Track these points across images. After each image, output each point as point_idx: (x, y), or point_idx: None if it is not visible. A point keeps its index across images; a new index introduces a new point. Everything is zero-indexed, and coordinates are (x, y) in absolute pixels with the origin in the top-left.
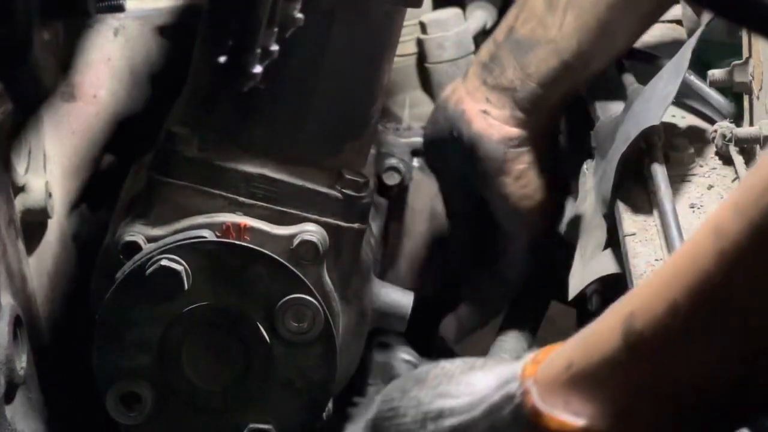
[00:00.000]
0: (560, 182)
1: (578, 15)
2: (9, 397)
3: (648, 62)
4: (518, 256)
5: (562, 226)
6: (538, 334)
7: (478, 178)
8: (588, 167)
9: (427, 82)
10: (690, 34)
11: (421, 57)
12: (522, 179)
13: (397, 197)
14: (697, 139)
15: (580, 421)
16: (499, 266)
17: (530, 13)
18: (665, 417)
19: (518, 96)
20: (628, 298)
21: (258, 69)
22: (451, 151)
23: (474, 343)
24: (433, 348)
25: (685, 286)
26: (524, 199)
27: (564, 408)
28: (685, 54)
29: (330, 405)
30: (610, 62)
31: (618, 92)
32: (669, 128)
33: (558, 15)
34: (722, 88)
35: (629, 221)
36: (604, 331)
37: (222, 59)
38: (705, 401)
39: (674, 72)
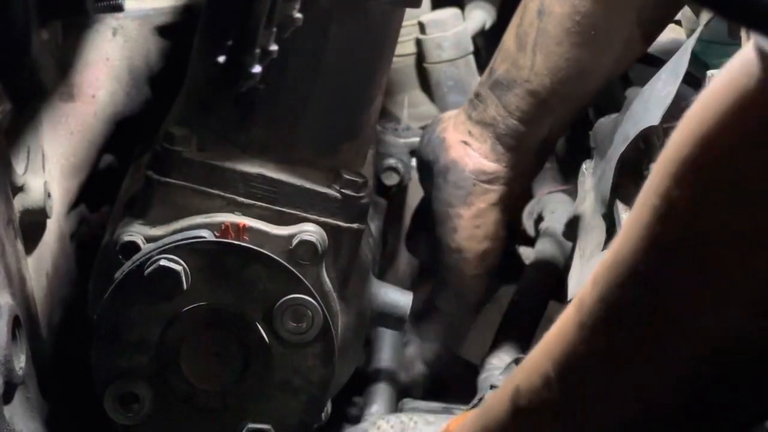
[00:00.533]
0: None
1: (546, 55)
2: (8, 397)
3: (647, 63)
4: (452, 293)
5: (561, 228)
6: (537, 334)
7: (440, 205)
8: (587, 167)
9: (426, 82)
10: (689, 34)
11: (420, 57)
12: (479, 219)
13: (395, 197)
14: None
15: None
16: (437, 300)
17: (505, 53)
18: None
19: (500, 132)
20: (517, 371)
21: (257, 69)
22: (427, 172)
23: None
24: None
25: (555, 360)
26: (472, 239)
27: None
28: (684, 54)
29: (329, 405)
30: (591, 99)
31: (617, 94)
32: (668, 128)
33: (528, 55)
34: None
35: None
36: (496, 406)
37: (221, 59)
38: None
39: (673, 72)
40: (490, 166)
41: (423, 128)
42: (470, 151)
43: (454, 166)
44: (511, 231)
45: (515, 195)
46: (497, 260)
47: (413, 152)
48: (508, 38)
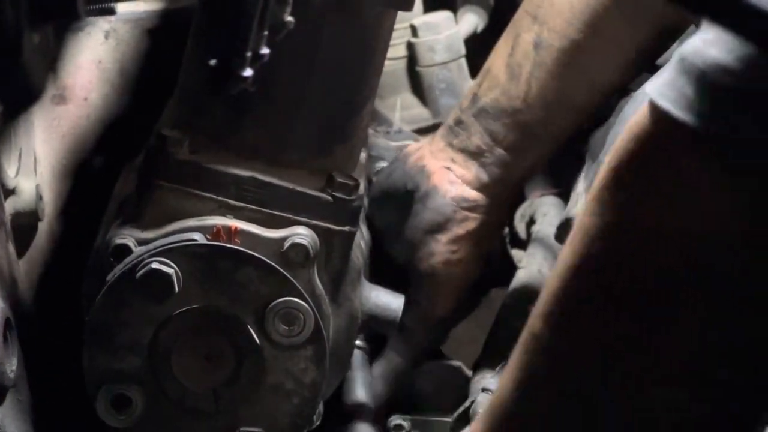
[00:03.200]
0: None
1: (542, 88)
2: None
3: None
4: (421, 314)
5: (553, 231)
6: None
7: (416, 231)
8: (580, 171)
9: (417, 86)
10: (683, 39)
11: (412, 60)
12: (456, 244)
13: None
14: None
15: None
16: (404, 317)
17: (493, 81)
18: None
19: (486, 161)
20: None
21: (248, 72)
22: (399, 204)
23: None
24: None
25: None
26: (447, 264)
27: None
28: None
29: (320, 408)
30: (578, 129)
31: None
32: None
33: (521, 86)
34: None
35: None
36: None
37: (212, 62)
38: None
39: None
40: (472, 194)
41: (416, 131)
42: (452, 178)
43: (435, 192)
44: (487, 260)
45: (494, 224)
46: (468, 287)
47: None
48: (497, 67)
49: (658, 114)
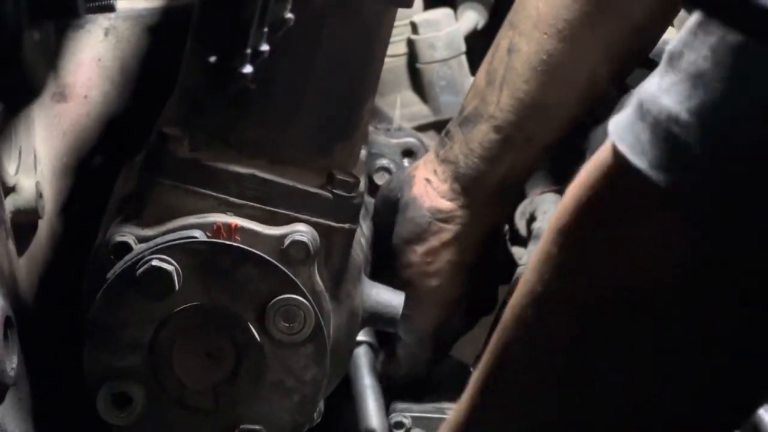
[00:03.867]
0: (489, 275)
1: (513, 92)
2: None
3: (642, 65)
4: (407, 324)
5: None
6: None
7: (397, 239)
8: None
9: (418, 83)
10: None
11: (412, 57)
12: (431, 256)
13: None
14: None
15: None
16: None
17: (475, 90)
18: None
19: (460, 171)
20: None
21: (248, 69)
22: (390, 209)
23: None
24: None
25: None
26: (423, 276)
27: None
28: None
29: (321, 405)
30: (557, 138)
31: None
32: None
33: (495, 91)
34: None
35: None
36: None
37: (212, 59)
38: None
39: None
40: (446, 205)
41: (416, 129)
42: (430, 189)
43: (413, 203)
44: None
45: (473, 236)
46: (453, 299)
47: (405, 153)
48: (479, 76)
49: (616, 155)
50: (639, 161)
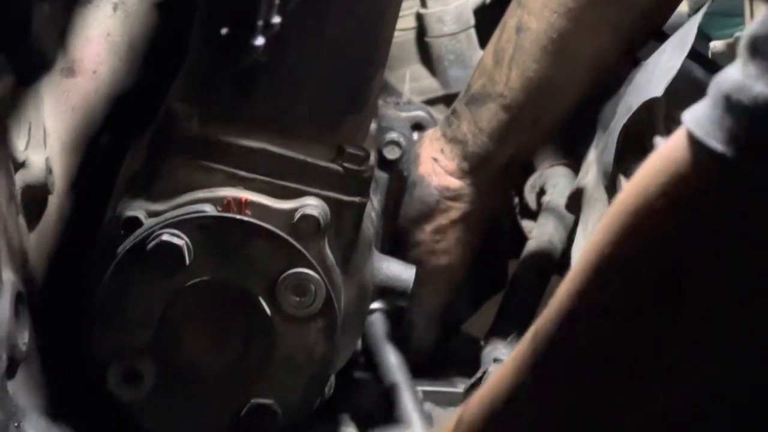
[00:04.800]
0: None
1: (522, 71)
2: (11, 373)
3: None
4: (416, 304)
5: (564, 201)
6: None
7: (405, 219)
8: (591, 141)
9: (426, 57)
10: (692, 7)
11: (421, 31)
12: (439, 234)
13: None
14: None
15: None
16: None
17: (482, 69)
18: None
19: (468, 150)
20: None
21: (260, 42)
22: (401, 189)
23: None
24: None
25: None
26: (432, 254)
27: None
28: (691, 28)
29: (332, 380)
30: (565, 116)
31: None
32: (671, 101)
33: (504, 70)
34: (724, 59)
35: None
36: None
37: (223, 32)
38: None
39: (679, 46)
40: (455, 183)
41: (426, 102)
42: (437, 168)
43: (420, 182)
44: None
45: (481, 214)
46: (461, 277)
47: (415, 126)
48: (487, 55)
49: (698, 148)
50: (732, 153)
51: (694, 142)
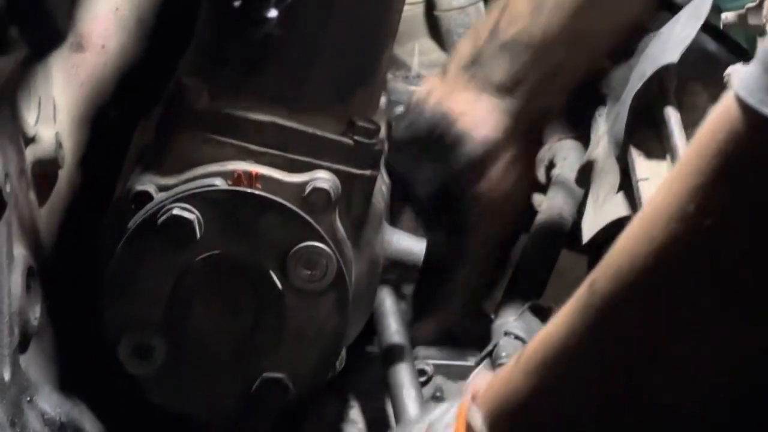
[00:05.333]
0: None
1: (562, 24)
2: (23, 348)
3: (665, 8)
4: (478, 256)
5: (573, 175)
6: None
7: (454, 178)
8: (600, 114)
9: (435, 30)
10: None
11: (430, 5)
12: (497, 180)
13: None
14: (711, 83)
15: None
16: (456, 269)
17: (515, 17)
18: None
19: (508, 99)
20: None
21: (273, 14)
22: (428, 151)
23: None
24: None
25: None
26: (488, 207)
27: None
28: None
29: (343, 354)
30: (600, 63)
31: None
32: (682, 73)
33: (543, 21)
34: (735, 30)
35: (643, 166)
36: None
37: (236, 3)
38: None
39: (694, 15)
40: (497, 132)
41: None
42: (478, 120)
43: (463, 137)
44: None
45: (527, 159)
46: (508, 235)
47: None
48: (519, 2)
49: (750, 116)
50: None
51: (746, 109)
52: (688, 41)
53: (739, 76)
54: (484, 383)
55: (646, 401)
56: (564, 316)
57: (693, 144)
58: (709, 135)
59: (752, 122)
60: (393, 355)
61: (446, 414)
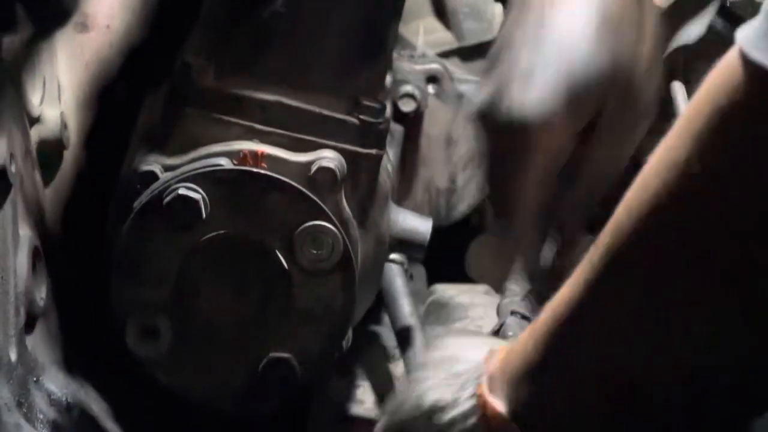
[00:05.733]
0: None
1: None
2: (29, 328)
3: None
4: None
5: None
6: None
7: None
8: None
9: (441, 10)
10: None
11: None
12: None
13: (412, 124)
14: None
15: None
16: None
17: None
18: None
19: None
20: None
21: None
22: None
23: None
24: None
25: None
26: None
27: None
28: None
29: (350, 334)
30: None
31: None
32: (690, 52)
33: None
34: (743, 8)
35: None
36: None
37: None
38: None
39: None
40: None
41: (440, 55)
42: None
43: None
44: None
45: None
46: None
47: (430, 79)
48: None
49: (751, 67)
50: None
51: (746, 62)
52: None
53: (743, 32)
54: (494, 362)
55: (652, 360)
56: (569, 282)
57: (694, 98)
58: (709, 87)
59: (752, 73)
60: (408, 337)
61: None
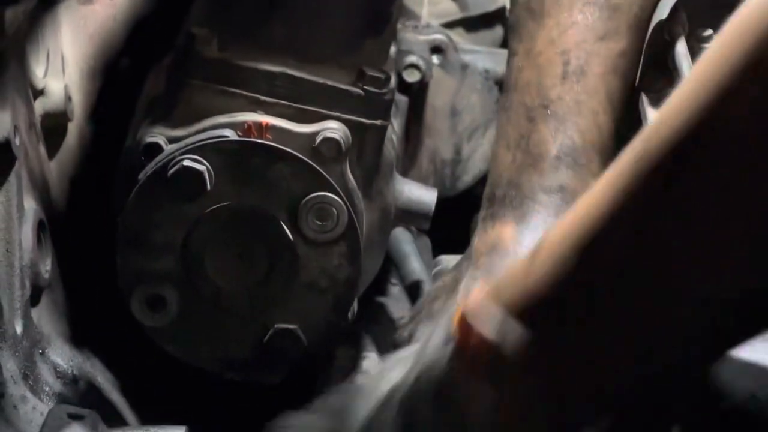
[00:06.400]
0: None
1: None
2: (35, 301)
3: None
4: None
5: None
6: None
7: None
8: None
9: None
10: None
11: None
12: None
13: (417, 95)
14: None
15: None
16: None
17: None
18: None
19: None
20: None
21: None
22: None
23: None
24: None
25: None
26: None
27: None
28: None
29: (355, 305)
30: None
31: None
32: (693, 19)
33: None
34: None
35: (654, 114)
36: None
37: None
38: None
39: None
40: None
41: (444, 26)
42: None
43: None
44: None
45: None
46: None
47: (434, 49)
48: None
49: None
50: None
51: None
52: None
53: None
54: (477, 292)
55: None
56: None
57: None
58: (736, 24)
59: None
60: (420, 291)
61: (433, 333)
